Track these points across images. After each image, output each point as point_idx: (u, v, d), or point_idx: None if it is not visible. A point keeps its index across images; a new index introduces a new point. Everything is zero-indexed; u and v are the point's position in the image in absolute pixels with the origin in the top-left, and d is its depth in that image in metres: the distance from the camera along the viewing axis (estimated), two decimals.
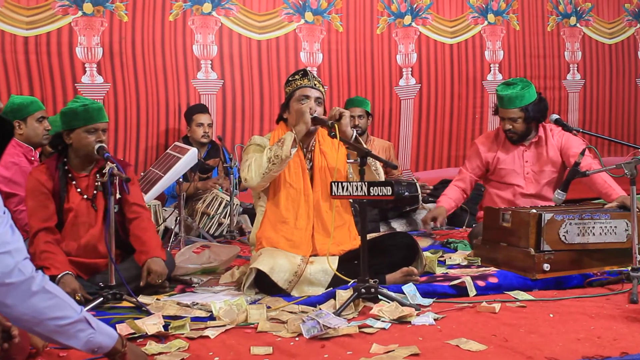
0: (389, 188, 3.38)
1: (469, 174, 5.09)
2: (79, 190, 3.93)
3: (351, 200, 4.29)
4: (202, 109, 6.44)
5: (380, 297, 3.45)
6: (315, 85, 4.01)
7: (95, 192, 3.92)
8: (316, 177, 3.99)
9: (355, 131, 3.85)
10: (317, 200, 3.97)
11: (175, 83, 6.70)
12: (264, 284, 3.77)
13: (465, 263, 4.42)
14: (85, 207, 3.92)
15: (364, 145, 3.76)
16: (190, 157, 4.97)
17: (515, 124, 4.81)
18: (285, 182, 3.98)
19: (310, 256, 3.89)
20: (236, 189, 5.81)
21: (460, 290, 3.72)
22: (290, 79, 4.09)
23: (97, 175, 3.84)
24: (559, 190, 4.26)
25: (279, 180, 3.99)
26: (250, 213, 5.92)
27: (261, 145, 4.03)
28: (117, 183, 3.51)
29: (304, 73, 4.05)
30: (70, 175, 3.94)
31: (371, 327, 3.18)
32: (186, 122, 6.44)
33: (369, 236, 3.62)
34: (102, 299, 3.56)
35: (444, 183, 6.98)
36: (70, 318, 2.22)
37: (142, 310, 3.46)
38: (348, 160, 3.68)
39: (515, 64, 8.13)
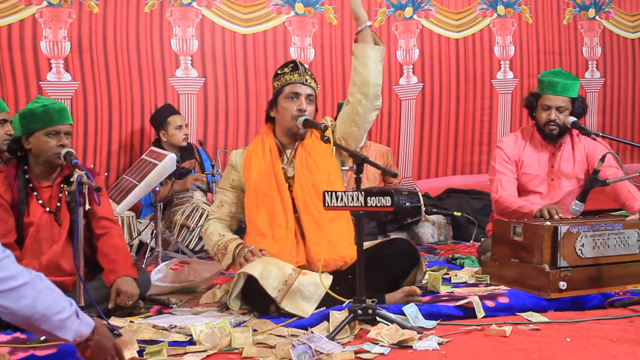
0: (388, 198, 3.37)
1: (512, 178, 4.90)
2: (40, 202, 3.90)
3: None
4: (174, 110, 6.47)
5: (378, 318, 3.45)
6: (306, 80, 4.02)
7: (58, 204, 3.90)
8: (298, 172, 4.00)
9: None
10: (303, 195, 3.97)
11: (152, 81, 6.70)
12: (252, 295, 3.78)
13: (472, 281, 4.43)
14: (48, 221, 3.89)
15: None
16: (168, 163, 4.96)
17: (561, 115, 4.77)
18: (258, 192, 4.02)
19: (302, 268, 3.89)
20: None
21: (467, 312, 3.73)
22: (279, 72, 4.10)
23: (62, 185, 3.83)
24: (576, 201, 4.28)
25: (250, 191, 4.05)
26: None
27: (235, 167, 4.15)
28: (86, 193, 3.50)
29: (295, 66, 4.06)
30: (31, 185, 3.91)
31: (368, 352, 3.18)
32: (155, 127, 6.44)
33: (365, 244, 3.62)
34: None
35: (449, 193, 7.01)
36: (67, 310, 2.41)
37: (114, 334, 3.44)
38: (343, 167, 3.68)
39: (528, 61, 8.15)
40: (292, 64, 4.08)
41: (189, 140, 6.43)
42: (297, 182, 3.99)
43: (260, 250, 3.89)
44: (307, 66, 4.19)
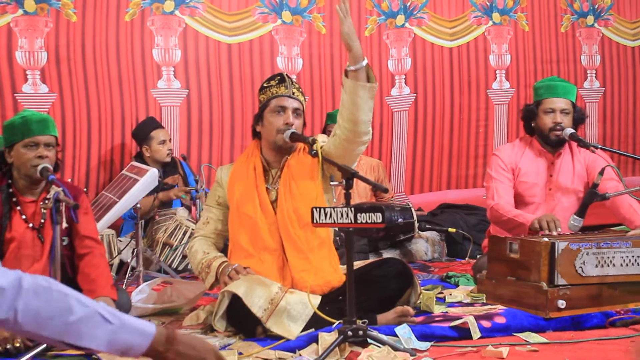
0: (379, 214, 3.37)
1: (509, 186, 4.89)
2: (24, 217, 3.91)
3: (336, 229, 4.30)
4: (158, 123, 6.47)
5: (369, 340, 3.45)
6: (293, 94, 4.02)
7: (42, 220, 3.90)
8: (281, 197, 4.01)
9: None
10: (284, 222, 3.98)
11: (132, 93, 6.69)
12: (237, 315, 3.77)
13: (468, 300, 4.43)
14: (31, 237, 3.90)
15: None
16: (150, 179, 4.97)
17: (565, 119, 4.77)
18: (241, 213, 4.03)
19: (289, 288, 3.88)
20: None
21: (462, 332, 3.72)
22: (265, 85, 4.11)
23: (46, 201, 3.82)
24: (574, 216, 4.29)
25: (234, 211, 4.07)
26: None
27: (220, 184, 4.17)
28: (63, 210, 3.49)
29: (281, 79, 4.06)
30: (15, 199, 3.92)
31: None
32: (138, 141, 6.43)
33: (355, 264, 3.61)
34: (45, 345, 3.53)
35: (443, 208, 7.02)
36: (76, 313, 2.11)
37: (91, 358, 3.43)
38: (332, 183, 3.68)
39: (524, 70, 8.19)
40: (278, 77, 4.08)
41: (172, 155, 6.43)
42: (280, 208, 3.99)
43: (245, 267, 3.88)
44: (294, 79, 4.20)
